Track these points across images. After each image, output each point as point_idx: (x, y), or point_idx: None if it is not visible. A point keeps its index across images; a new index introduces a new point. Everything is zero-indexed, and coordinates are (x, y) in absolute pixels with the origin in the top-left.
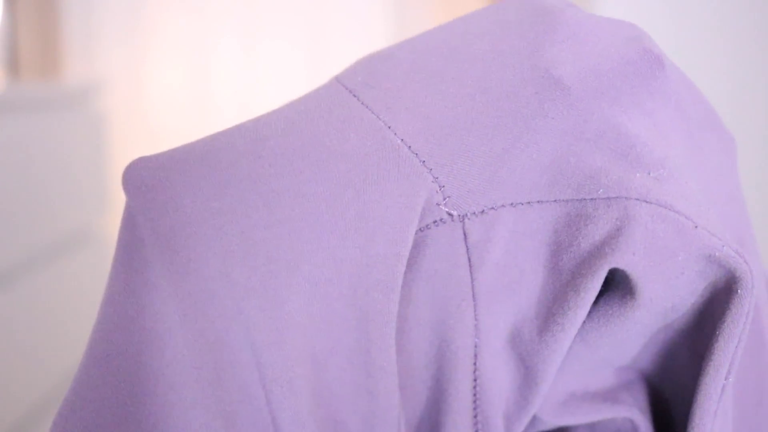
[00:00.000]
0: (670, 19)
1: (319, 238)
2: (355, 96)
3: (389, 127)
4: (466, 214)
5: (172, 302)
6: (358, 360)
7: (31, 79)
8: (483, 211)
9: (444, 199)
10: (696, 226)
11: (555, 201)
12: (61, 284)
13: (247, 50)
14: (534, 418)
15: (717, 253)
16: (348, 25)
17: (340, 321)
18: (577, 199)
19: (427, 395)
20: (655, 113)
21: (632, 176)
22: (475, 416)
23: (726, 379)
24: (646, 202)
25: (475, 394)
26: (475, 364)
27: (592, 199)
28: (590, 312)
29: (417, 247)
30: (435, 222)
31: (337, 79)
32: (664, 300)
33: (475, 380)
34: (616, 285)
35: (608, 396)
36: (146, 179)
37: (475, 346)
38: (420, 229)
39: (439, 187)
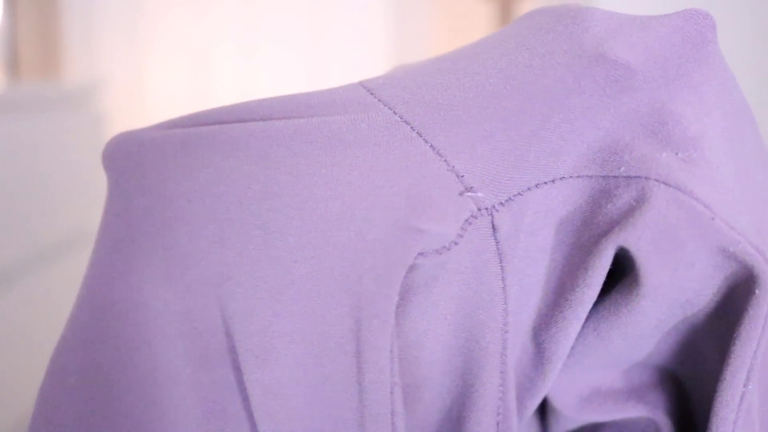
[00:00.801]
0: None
1: (314, 218)
2: (371, 93)
3: (404, 120)
4: (494, 206)
5: (157, 269)
6: (350, 348)
7: (31, 79)
8: (510, 199)
9: (466, 189)
10: (713, 217)
11: (579, 177)
12: (61, 284)
13: (247, 50)
14: (559, 415)
15: (733, 248)
16: (348, 22)
17: (332, 305)
18: (602, 176)
19: (450, 389)
20: (701, 87)
21: (657, 155)
22: (499, 412)
23: (745, 386)
24: (665, 184)
25: (501, 388)
26: (503, 357)
27: (614, 176)
28: (602, 300)
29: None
30: (467, 219)
31: (359, 82)
32: (672, 291)
33: (502, 374)
34: (628, 272)
35: (632, 395)
36: (136, 159)
37: (505, 341)
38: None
39: (457, 176)
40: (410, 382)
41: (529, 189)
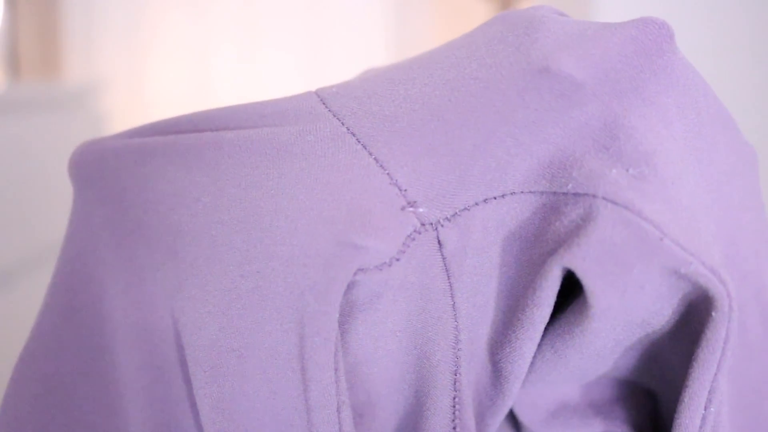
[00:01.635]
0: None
1: (259, 232)
2: (323, 102)
3: (350, 132)
4: (439, 221)
5: (117, 280)
6: (296, 365)
7: (31, 79)
8: (455, 214)
9: (409, 203)
10: (662, 237)
11: (529, 192)
12: None
13: (247, 51)
14: (526, 430)
15: (684, 270)
16: (348, 23)
17: (278, 320)
18: (551, 192)
19: (405, 406)
20: (659, 98)
21: (606, 172)
22: (454, 428)
23: (706, 408)
24: (613, 202)
25: (454, 406)
26: (455, 375)
27: (563, 193)
28: (558, 319)
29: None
30: (410, 235)
31: (315, 90)
32: (624, 313)
33: (455, 392)
34: (580, 292)
35: (601, 410)
36: (97, 169)
37: (457, 358)
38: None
39: (400, 190)
40: (365, 400)
41: (476, 204)
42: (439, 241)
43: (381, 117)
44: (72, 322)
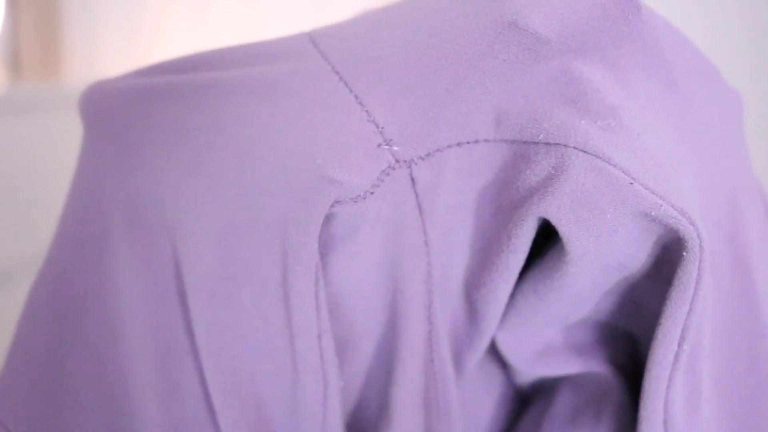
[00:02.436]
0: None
1: (252, 169)
2: (313, 43)
3: (335, 71)
4: (413, 159)
5: (121, 213)
6: (281, 294)
7: (32, 79)
8: (429, 154)
9: (385, 141)
10: (632, 182)
11: (501, 140)
12: None
13: None
14: (514, 369)
15: (655, 212)
16: None
17: (267, 252)
18: (522, 141)
19: (384, 338)
20: (619, 60)
21: (576, 123)
22: (432, 360)
23: (680, 346)
24: (584, 151)
25: (430, 341)
26: (429, 310)
27: (534, 143)
28: (538, 263)
29: (365, 192)
30: (384, 170)
31: (308, 31)
32: (600, 257)
33: (430, 327)
34: (558, 237)
35: (583, 351)
36: (105, 108)
37: (430, 293)
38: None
39: (377, 127)
40: (348, 330)
41: (449, 147)
42: (412, 178)
43: (364, 58)
44: (80, 252)
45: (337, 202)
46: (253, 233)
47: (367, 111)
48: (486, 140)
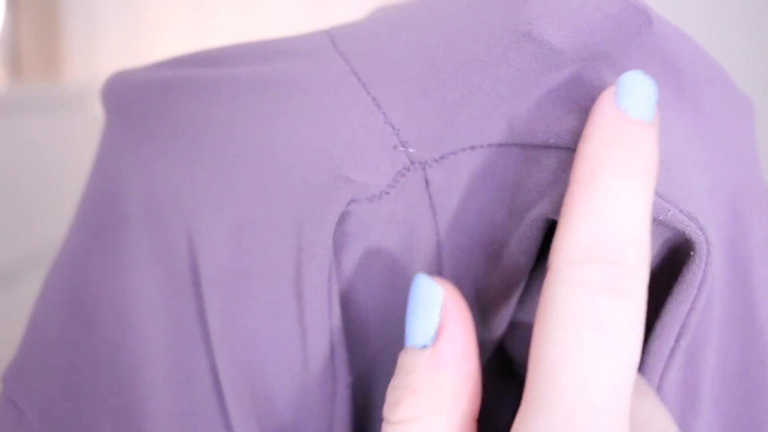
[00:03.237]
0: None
1: (270, 165)
2: (332, 42)
3: (353, 71)
4: (428, 161)
5: (139, 202)
6: (295, 289)
7: (32, 79)
8: (443, 157)
9: (401, 143)
10: None
11: (514, 144)
12: None
13: None
14: (521, 367)
15: (663, 217)
16: None
17: (282, 247)
18: (533, 145)
19: (395, 338)
20: (629, 68)
21: None
22: None
23: (676, 342)
24: None
25: None
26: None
27: (545, 146)
28: (545, 263)
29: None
30: (399, 171)
31: (327, 29)
32: None
33: None
34: None
35: None
36: (127, 98)
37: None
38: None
39: (393, 129)
40: (359, 328)
41: (463, 149)
42: (426, 180)
43: (382, 59)
44: (97, 238)
45: (353, 201)
46: (269, 228)
47: (384, 113)
48: (499, 144)
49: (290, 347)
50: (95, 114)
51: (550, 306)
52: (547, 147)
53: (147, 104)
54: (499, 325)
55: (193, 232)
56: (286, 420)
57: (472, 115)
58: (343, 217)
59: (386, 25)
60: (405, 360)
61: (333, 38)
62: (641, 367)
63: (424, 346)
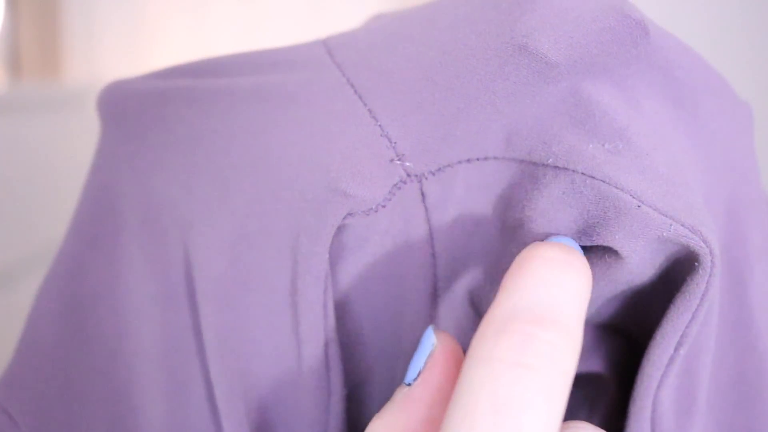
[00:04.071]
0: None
1: (267, 177)
2: (329, 52)
3: (350, 83)
4: (424, 174)
5: (135, 213)
6: (291, 301)
7: (32, 79)
8: (439, 169)
9: (398, 156)
10: (640, 205)
11: (511, 159)
12: None
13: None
14: None
15: (666, 233)
16: (350, 26)
17: (278, 259)
18: (531, 162)
19: (392, 350)
20: (626, 81)
21: (584, 147)
22: None
23: (676, 350)
24: (591, 177)
25: None
26: (434, 321)
27: (543, 164)
28: None
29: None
30: (396, 184)
31: (323, 39)
32: (609, 276)
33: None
34: None
35: (583, 352)
36: (123, 108)
37: (435, 306)
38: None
39: (390, 142)
40: (354, 340)
41: (459, 162)
42: (422, 193)
43: (379, 71)
44: (92, 248)
45: (349, 214)
46: (265, 240)
47: (380, 125)
48: (495, 158)
49: (285, 360)
50: (94, 113)
51: (459, 381)
52: (545, 165)
53: (144, 114)
54: None
55: (188, 244)
56: None
57: (468, 128)
58: (340, 230)
59: (383, 36)
60: (396, 391)
61: (329, 49)
62: (640, 374)
63: (408, 384)
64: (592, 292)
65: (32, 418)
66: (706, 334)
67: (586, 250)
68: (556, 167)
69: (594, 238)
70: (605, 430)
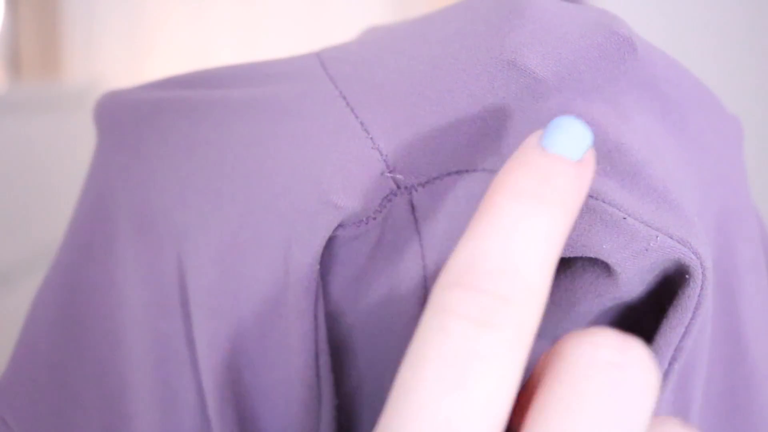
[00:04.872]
0: (666, 19)
1: (260, 189)
2: (322, 65)
3: (342, 95)
4: (414, 185)
5: (130, 222)
6: (282, 312)
7: (32, 79)
8: (429, 181)
9: (388, 169)
10: (625, 217)
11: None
12: None
13: (247, 51)
14: None
15: (653, 244)
16: (350, 26)
17: (270, 270)
18: None
19: (383, 361)
20: (615, 97)
21: None
22: None
23: (670, 365)
24: None
25: None
26: None
27: None
28: None
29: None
30: (386, 196)
31: (317, 51)
32: (598, 290)
33: None
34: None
35: None
36: (119, 118)
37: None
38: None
39: (381, 155)
40: (345, 351)
41: (449, 174)
42: (412, 205)
43: (371, 84)
44: (87, 257)
45: (340, 226)
46: (257, 251)
47: (371, 138)
48: (483, 170)
49: (276, 370)
50: None
51: (416, 331)
52: None
53: (139, 124)
54: None
55: (182, 253)
56: None
57: (458, 142)
58: (330, 241)
59: (376, 49)
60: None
61: (323, 61)
62: None
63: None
64: (581, 307)
65: (27, 425)
66: (699, 347)
67: (575, 259)
68: None
69: (582, 249)
70: None
